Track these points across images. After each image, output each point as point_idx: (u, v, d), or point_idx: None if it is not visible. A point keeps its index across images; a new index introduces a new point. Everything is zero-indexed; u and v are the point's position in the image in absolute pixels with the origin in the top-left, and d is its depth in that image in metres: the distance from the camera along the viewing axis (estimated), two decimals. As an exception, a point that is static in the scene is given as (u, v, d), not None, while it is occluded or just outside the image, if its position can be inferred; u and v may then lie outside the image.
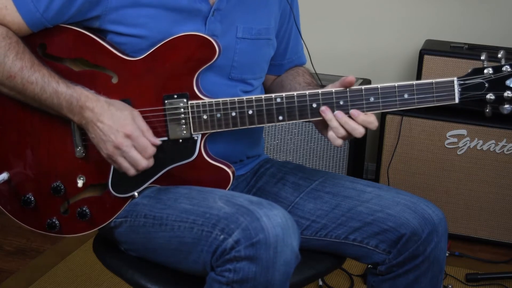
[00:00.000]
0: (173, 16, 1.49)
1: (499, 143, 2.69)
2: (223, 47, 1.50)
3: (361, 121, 1.45)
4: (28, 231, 1.59)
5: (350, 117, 1.45)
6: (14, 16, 1.44)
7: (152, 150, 1.44)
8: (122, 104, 1.45)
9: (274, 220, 1.32)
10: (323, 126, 1.51)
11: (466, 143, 2.73)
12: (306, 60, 1.84)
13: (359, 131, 1.45)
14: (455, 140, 2.74)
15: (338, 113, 1.45)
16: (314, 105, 1.47)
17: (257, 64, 1.66)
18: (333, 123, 1.45)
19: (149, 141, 1.43)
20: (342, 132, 1.45)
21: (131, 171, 1.44)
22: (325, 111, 1.46)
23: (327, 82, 1.77)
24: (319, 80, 1.87)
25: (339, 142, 1.47)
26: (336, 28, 3.25)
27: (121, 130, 1.41)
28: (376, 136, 2.99)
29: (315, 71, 1.94)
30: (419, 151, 2.79)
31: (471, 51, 2.75)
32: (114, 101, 1.45)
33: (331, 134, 1.46)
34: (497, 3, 3.03)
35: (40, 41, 1.48)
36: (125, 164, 1.43)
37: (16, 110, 1.51)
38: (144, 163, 1.43)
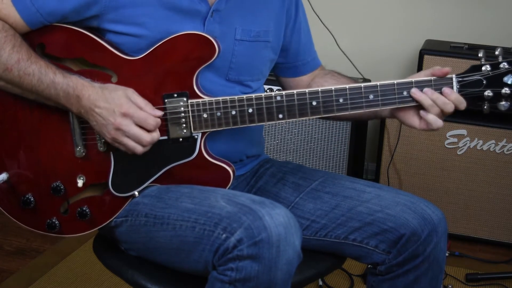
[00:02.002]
0: (172, 15, 1.49)
1: (499, 143, 2.69)
2: (221, 49, 1.50)
3: (454, 99, 1.45)
4: (28, 231, 1.58)
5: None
6: (10, 10, 1.44)
7: (153, 120, 1.42)
8: (115, 86, 1.45)
9: (276, 219, 1.32)
10: (409, 113, 1.51)
11: (466, 143, 2.73)
12: (321, 62, 1.83)
13: (450, 106, 1.46)
14: (455, 140, 2.74)
15: (427, 90, 1.46)
16: (314, 103, 1.47)
17: (255, 66, 1.65)
18: (427, 101, 1.45)
19: (148, 113, 1.43)
20: (436, 109, 1.46)
21: (138, 149, 1.43)
22: (416, 93, 1.46)
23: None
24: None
25: (438, 121, 1.48)
26: (336, 28, 3.25)
27: (117, 110, 1.40)
28: (376, 136, 2.99)
29: (360, 74, 1.92)
30: (419, 151, 2.79)
31: (471, 51, 2.75)
32: (108, 84, 1.45)
33: (430, 117, 1.47)
34: (497, 3, 3.03)
35: (39, 41, 1.48)
36: (131, 144, 1.42)
37: (15, 110, 1.51)
38: (148, 137, 1.42)
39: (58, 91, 1.43)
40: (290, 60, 1.74)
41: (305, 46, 1.76)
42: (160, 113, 1.45)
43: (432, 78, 1.46)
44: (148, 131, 1.43)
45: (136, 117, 1.41)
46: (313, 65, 1.78)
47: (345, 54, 1.77)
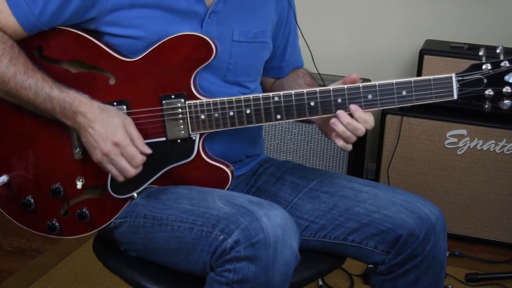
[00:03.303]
0: (169, 17, 1.49)
1: (499, 143, 2.69)
2: (219, 50, 1.50)
3: (357, 117, 1.44)
4: (28, 231, 1.59)
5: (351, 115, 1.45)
6: (9, 19, 1.43)
7: (140, 159, 1.43)
8: (115, 111, 1.45)
9: (273, 221, 1.32)
10: (327, 128, 1.51)
11: (466, 143, 2.73)
12: (304, 63, 1.83)
13: (361, 131, 1.45)
14: (455, 140, 2.74)
15: (340, 112, 1.45)
16: (312, 103, 1.47)
17: (253, 67, 1.65)
18: (339, 127, 1.45)
19: (138, 150, 1.43)
20: (348, 134, 1.45)
21: (120, 178, 1.44)
22: (336, 123, 1.45)
23: (327, 82, 1.77)
24: (321, 80, 1.85)
25: (348, 145, 1.47)
26: (336, 28, 3.25)
27: (111, 137, 1.41)
28: (376, 136, 2.99)
29: (317, 71, 1.93)
30: (419, 151, 2.79)
31: (471, 51, 2.74)
32: (108, 106, 1.45)
33: (341, 143, 1.46)
34: (497, 3, 3.03)
35: (37, 44, 1.48)
36: (113, 171, 1.43)
37: (15, 113, 1.51)
38: (132, 172, 1.43)
39: (54, 105, 1.43)
40: (275, 61, 1.75)
41: (291, 48, 1.77)
42: (149, 151, 1.45)
43: (432, 77, 1.45)
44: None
45: (126, 151, 1.41)
46: (295, 66, 1.79)
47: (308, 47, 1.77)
